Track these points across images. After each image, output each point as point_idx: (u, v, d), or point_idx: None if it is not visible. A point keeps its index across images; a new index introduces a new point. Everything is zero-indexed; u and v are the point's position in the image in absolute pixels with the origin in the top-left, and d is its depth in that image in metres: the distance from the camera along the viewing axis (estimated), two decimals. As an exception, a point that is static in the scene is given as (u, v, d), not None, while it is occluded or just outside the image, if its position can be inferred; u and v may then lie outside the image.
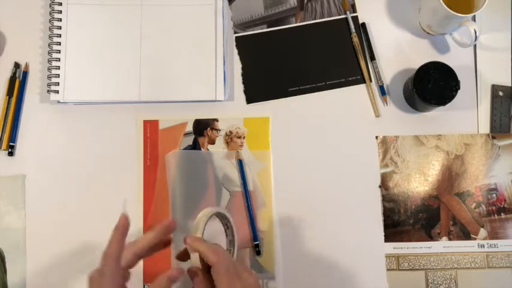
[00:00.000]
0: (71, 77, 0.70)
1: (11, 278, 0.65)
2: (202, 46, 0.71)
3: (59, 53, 0.70)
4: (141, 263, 0.67)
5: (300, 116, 0.72)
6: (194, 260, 0.52)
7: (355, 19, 0.74)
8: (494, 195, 0.70)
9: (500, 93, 0.72)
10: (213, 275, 0.50)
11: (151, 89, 0.70)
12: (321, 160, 0.71)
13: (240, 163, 0.70)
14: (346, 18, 0.74)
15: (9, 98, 0.70)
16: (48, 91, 0.69)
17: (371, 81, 0.73)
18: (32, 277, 0.67)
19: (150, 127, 0.71)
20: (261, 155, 0.71)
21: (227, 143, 0.71)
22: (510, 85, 0.73)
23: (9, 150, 0.69)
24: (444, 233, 0.69)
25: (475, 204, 0.70)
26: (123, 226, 0.50)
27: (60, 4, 0.71)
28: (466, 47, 0.70)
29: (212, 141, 0.71)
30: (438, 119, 0.72)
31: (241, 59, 0.73)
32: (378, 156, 0.71)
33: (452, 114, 0.72)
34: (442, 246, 0.69)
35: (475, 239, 0.69)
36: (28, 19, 0.72)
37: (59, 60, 0.70)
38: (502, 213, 0.70)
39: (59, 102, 0.70)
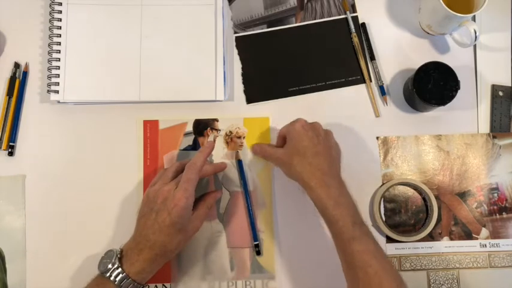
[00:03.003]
0: (71, 77, 0.70)
1: (11, 278, 0.65)
2: (202, 46, 0.71)
3: (59, 53, 0.70)
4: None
5: (300, 116, 0.71)
6: None
7: (355, 19, 0.74)
8: (495, 194, 0.70)
9: (500, 93, 0.72)
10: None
11: (151, 89, 0.70)
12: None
13: (240, 163, 0.70)
14: (346, 18, 0.74)
15: (9, 98, 0.70)
16: (48, 91, 0.69)
17: (371, 81, 0.73)
18: (32, 277, 0.66)
19: (150, 127, 0.71)
20: (261, 155, 0.70)
21: (227, 143, 0.71)
22: (510, 85, 0.73)
23: (9, 150, 0.69)
24: (446, 233, 0.69)
25: (476, 204, 0.70)
26: (210, 147, 0.66)
27: (60, 4, 0.71)
28: (466, 47, 0.70)
29: (212, 141, 0.71)
30: (438, 119, 0.72)
31: (241, 59, 0.73)
32: (379, 157, 0.71)
33: (452, 114, 0.72)
34: (443, 246, 0.68)
35: (476, 238, 0.69)
36: (28, 19, 0.72)
37: (59, 60, 0.70)
38: (503, 213, 0.69)
39: (59, 102, 0.70)
